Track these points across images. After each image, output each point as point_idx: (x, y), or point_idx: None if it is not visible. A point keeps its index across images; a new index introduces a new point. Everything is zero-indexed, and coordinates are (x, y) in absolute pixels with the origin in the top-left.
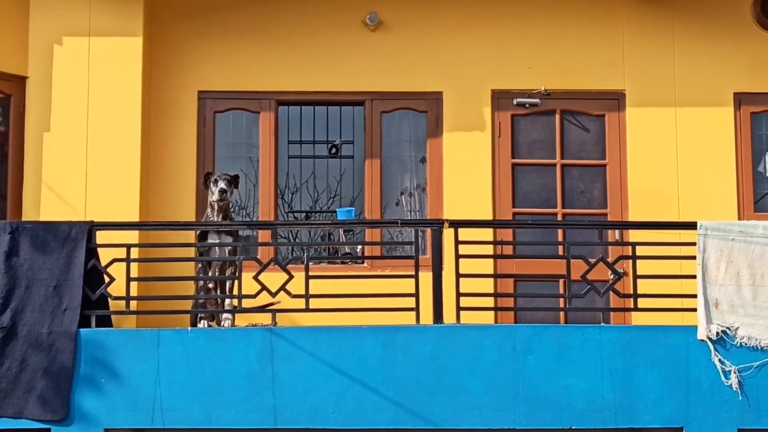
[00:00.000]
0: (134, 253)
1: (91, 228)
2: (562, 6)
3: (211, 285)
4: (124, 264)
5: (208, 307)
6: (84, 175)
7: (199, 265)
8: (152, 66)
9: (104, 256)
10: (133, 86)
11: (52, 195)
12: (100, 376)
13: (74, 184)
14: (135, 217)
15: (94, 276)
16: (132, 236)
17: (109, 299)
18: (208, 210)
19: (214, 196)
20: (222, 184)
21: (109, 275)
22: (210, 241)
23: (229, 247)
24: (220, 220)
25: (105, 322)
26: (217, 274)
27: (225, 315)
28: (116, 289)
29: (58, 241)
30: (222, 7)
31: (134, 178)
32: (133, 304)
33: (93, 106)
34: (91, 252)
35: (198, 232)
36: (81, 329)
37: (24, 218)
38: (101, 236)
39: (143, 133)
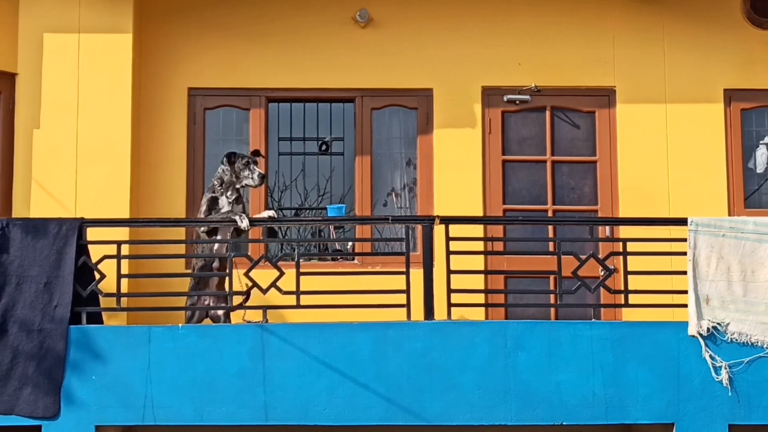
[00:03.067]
0: (125, 249)
1: (81, 225)
2: (552, 2)
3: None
4: (114, 261)
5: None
6: (74, 171)
7: (200, 263)
8: (142, 62)
9: (95, 252)
10: (123, 83)
11: (43, 192)
12: (91, 373)
13: (64, 181)
14: (125, 214)
15: (85, 273)
16: (122, 233)
17: (100, 296)
18: (223, 195)
19: (249, 180)
20: (260, 169)
21: (99, 272)
22: (223, 208)
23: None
24: (236, 206)
25: (96, 318)
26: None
27: (220, 312)
28: (107, 285)
29: (48, 238)
30: (212, 4)
31: (124, 175)
32: (124, 301)
33: (83, 102)
34: (82, 249)
35: (209, 228)
36: (72, 326)
37: (14, 215)
38: (92, 233)
39: (133, 130)
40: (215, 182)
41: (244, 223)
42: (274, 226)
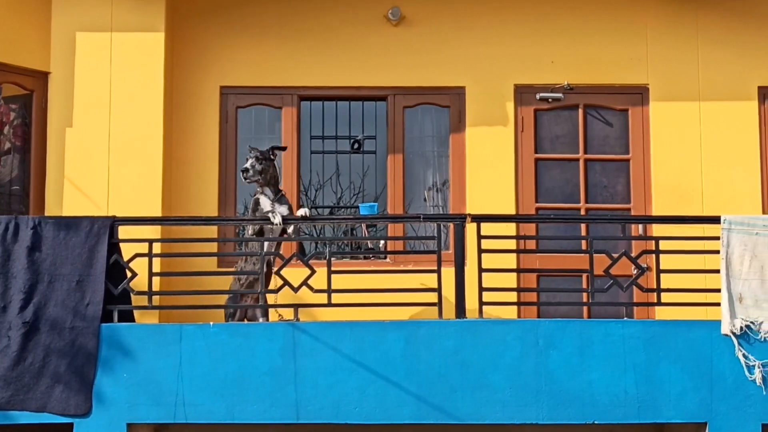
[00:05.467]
0: (156, 248)
1: (113, 223)
2: (586, 0)
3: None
4: (146, 259)
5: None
6: (106, 170)
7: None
8: (174, 61)
9: (126, 251)
10: (155, 81)
11: (75, 190)
12: (123, 371)
13: (97, 180)
14: (157, 212)
15: (117, 271)
16: (154, 231)
17: (132, 294)
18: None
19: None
20: (249, 162)
21: (131, 270)
22: (264, 207)
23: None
24: (280, 206)
25: (127, 317)
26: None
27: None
28: (138, 284)
29: (80, 236)
30: (243, 3)
31: (156, 174)
32: (156, 299)
33: (115, 101)
34: (114, 247)
35: (254, 230)
36: (103, 324)
37: (47, 213)
38: (123, 231)
39: (165, 129)
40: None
41: (276, 220)
42: (304, 224)
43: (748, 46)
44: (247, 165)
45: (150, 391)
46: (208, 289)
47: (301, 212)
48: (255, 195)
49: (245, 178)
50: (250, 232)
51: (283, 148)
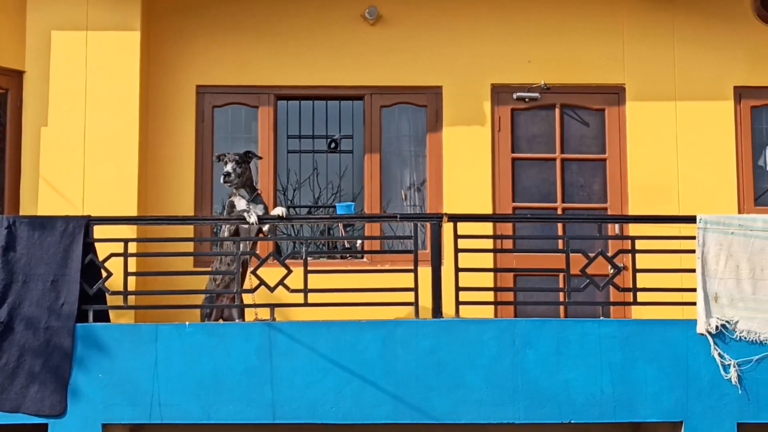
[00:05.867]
0: (132, 247)
1: (88, 222)
2: (563, 0)
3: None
4: (121, 258)
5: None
6: (82, 169)
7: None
8: (150, 60)
9: (102, 250)
10: (131, 80)
11: (50, 189)
12: (98, 371)
13: (72, 179)
14: (133, 212)
15: (92, 270)
16: (130, 231)
17: (107, 294)
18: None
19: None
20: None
21: (106, 270)
22: (239, 208)
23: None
24: (256, 205)
25: (102, 317)
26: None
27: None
28: (114, 283)
29: (55, 236)
30: (220, 2)
31: (132, 173)
32: (131, 299)
33: (90, 100)
34: (89, 246)
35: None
36: (78, 324)
37: (22, 212)
38: (99, 231)
39: (141, 128)
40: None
41: (251, 219)
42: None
43: (724, 46)
44: (228, 169)
45: (125, 391)
46: (184, 288)
47: (276, 211)
48: (230, 197)
49: (226, 182)
50: (226, 234)
51: (260, 158)
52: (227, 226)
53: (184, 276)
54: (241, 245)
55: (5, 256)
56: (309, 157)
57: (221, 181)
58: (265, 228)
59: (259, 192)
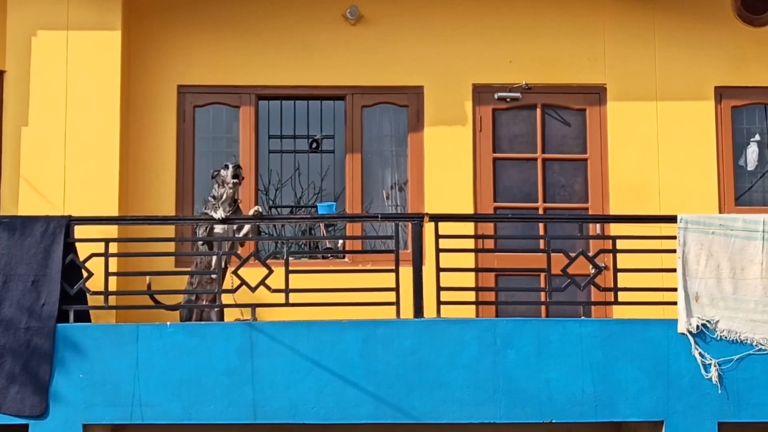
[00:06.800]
0: (113, 247)
1: (69, 222)
2: (543, 0)
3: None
4: (102, 259)
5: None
6: (62, 169)
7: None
8: (131, 60)
9: (83, 250)
10: (112, 80)
11: (31, 189)
12: (79, 372)
13: (52, 179)
14: (114, 212)
15: (73, 271)
16: (111, 231)
17: (88, 294)
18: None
19: (224, 189)
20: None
21: (87, 270)
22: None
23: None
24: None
25: (83, 317)
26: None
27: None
28: (95, 284)
29: (35, 236)
30: (201, 1)
31: (113, 173)
32: (112, 299)
33: (71, 100)
34: (70, 247)
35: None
36: (59, 324)
37: (1, 213)
38: (79, 231)
39: (122, 128)
40: (210, 198)
41: (218, 214)
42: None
43: (705, 46)
44: (239, 173)
45: (106, 391)
46: (164, 289)
47: (253, 210)
48: (205, 209)
49: (238, 185)
50: (201, 245)
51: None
52: (201, 230)
53: (165, 276)
54: (218, 246)
55: None
56: (290, 157)
57: (230, 178)
58: (245, 228)
59: (240, 204)
